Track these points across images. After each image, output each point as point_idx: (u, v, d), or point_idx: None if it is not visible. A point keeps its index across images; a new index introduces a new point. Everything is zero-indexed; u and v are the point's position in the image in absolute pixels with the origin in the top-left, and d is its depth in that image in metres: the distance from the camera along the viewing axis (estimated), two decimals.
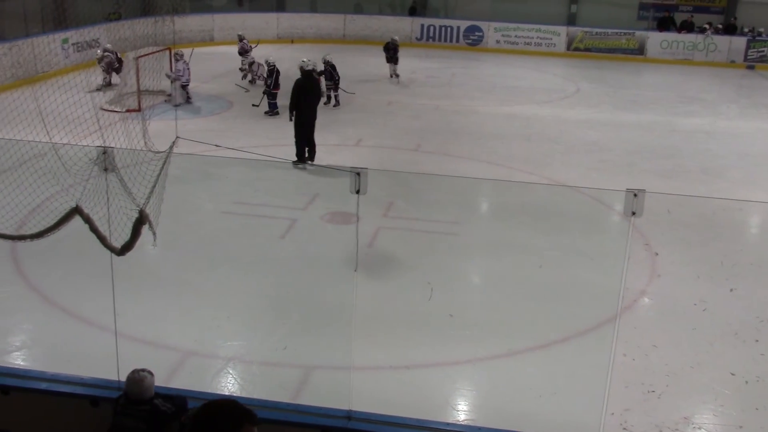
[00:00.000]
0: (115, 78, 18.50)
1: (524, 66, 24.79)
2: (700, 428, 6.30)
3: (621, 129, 16.69)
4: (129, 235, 5.68)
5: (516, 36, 27.67)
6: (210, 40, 26.21)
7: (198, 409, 2.77)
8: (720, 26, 27.23)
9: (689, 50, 26.61)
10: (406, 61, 22.14)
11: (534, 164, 13.58)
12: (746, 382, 6.92)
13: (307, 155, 12.79)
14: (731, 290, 8.78)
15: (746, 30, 27.25)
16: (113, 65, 18.31)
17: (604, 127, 16.83)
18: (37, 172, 6.80)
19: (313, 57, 14.82)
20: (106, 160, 5.12)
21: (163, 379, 4.83)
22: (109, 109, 14.82)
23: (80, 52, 19.89)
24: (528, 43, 27.60)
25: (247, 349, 7.31)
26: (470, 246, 10.09)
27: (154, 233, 6.01)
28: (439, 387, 6.79)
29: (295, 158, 12.62)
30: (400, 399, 6.35)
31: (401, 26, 28.12)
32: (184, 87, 17.12)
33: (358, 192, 4.56)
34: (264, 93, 16.59)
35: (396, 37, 21.47)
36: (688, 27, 26.99)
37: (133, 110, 14.90)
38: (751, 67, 26.19)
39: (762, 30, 26.85)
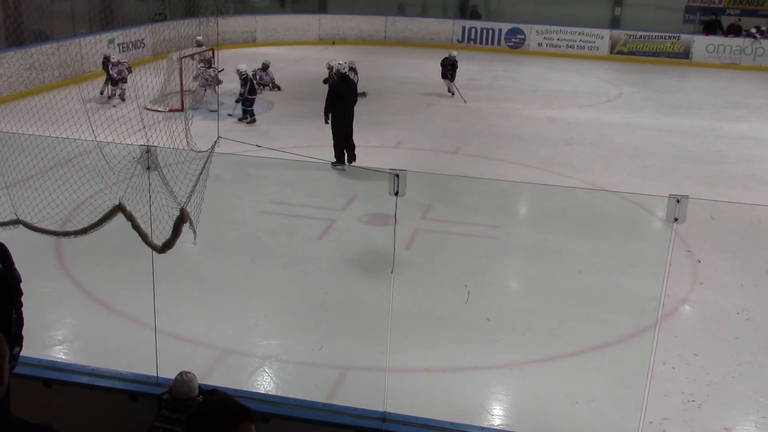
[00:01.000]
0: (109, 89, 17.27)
1: (566, 69, 24.55)
2: None
3: (664, 134, 16.43)
4: (170, 233, 5.77)
5: (558, 39, 27.42)
6: (252, 41, 26.46)
7: (194, 410, 2.77)
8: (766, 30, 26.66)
9: (736, 54, 26.08)
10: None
11: (575, 168, 13.44)
12: None
13: (347, 157, 12.84)
14: None
15: None
16: (123, 74, 16.98)
17: (647, 131, 16.59)
18: (82, 170, 6.95)
19: (352, 58, 14.84)
20: (149, 158, 5.20)
21: (200, 376, 4.88)
22: (153, 108, 15.04)
23: (125, 52, 20.20)
24: (570, 46, 27.32)
25: (283, 349, 7.36)
26: (508, 250, 10.03)
27: (194, 232, 6.09)
28: (474, 391, 6.75)
29: (334, 159, 12.68)
30: (435, 402, 6.33)
31: (443, 28, 28.07)
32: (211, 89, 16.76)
33: (396, 194, 4.56)
34: (236, 101, 16.01)
35: (455, 53, 19.55)
36: (735, 31, 26.48)
37: (176, 110, 15.12)
38: None
39: None
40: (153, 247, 5.63)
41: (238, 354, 7.20)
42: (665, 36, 26.74)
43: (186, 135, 6.67)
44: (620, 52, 26.98)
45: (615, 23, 28.30)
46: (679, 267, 8.93)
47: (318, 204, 11.19)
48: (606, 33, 27.26)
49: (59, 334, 7.50)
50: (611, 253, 9.79)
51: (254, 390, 6.41)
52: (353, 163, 12.80)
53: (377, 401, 4.74)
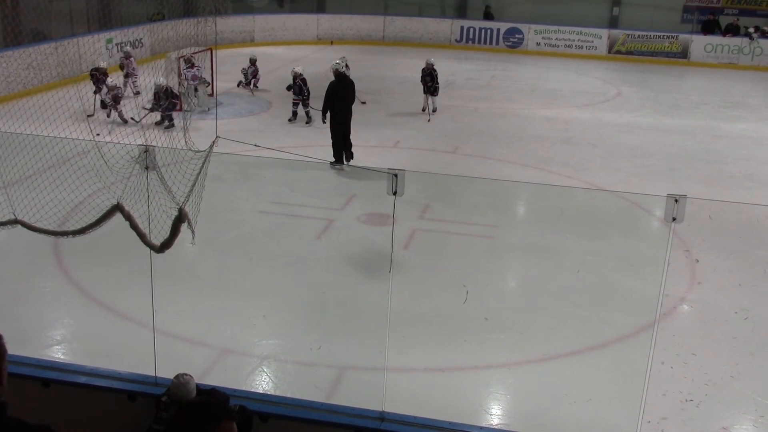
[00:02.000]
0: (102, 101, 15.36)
1: (565, 69, 24.56)
2: None
3: (663, 133, 16.44)
4: (168, 233, 5.76)
5: (556, 38, 27.42)
6: (251, 41, 26.44)
7: (173, 413, 2.76)
8: (767, 29, 26.65)
9: (734, 54, 26.09)
10: (446, 63, 22.03)
11: (573, 168, 13.44)
12: None
13: (345, 156, 12.84)
14: None
15: None
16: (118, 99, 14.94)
17: (645, 131, 16.59)
18: (80, 170, 6.93)
19: (349, 57, 14.78)
20: (147, 158, 5.20)
21: (198, 376, 4.88)
22: (152, 109, 15.00)
23: (124, 51, 20.13)
24: (569, 46, 27.32)
25: (281, 348, 7.36)
26: (507, 249, 10.03)
27: (193, 231, 6.09)
28: (472, 390, 6.76)
29: (332, 159, 12.68)
30: (433, 401, 6.33)
31: (441, 28, 28.06)
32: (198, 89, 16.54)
33: (395, 193, 4.56)
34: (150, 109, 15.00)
35: (432, 60, 17.15)
36: (733, 30, 26.49)
37: (176, 110, 15.08)
38: None
39: None
40: (151, 246, 5.62)
41: (236, 354, 7.19)
42: (663, 36, 26.75)
43: (184, 134, 6.66)
44: (618, 52, 26.98)
45: (613, 23, 28.30)
46: (678, 266, 8.94)
47: (316, 204, 11.19)
48: (604, 33, 27.26)
49: (57, 334, 7.49)
50: (609, 253, 9.80)
51: (253, 390, 6.41)
52: (351, 162, 12.81)
53: (376, 401, 4.74)
